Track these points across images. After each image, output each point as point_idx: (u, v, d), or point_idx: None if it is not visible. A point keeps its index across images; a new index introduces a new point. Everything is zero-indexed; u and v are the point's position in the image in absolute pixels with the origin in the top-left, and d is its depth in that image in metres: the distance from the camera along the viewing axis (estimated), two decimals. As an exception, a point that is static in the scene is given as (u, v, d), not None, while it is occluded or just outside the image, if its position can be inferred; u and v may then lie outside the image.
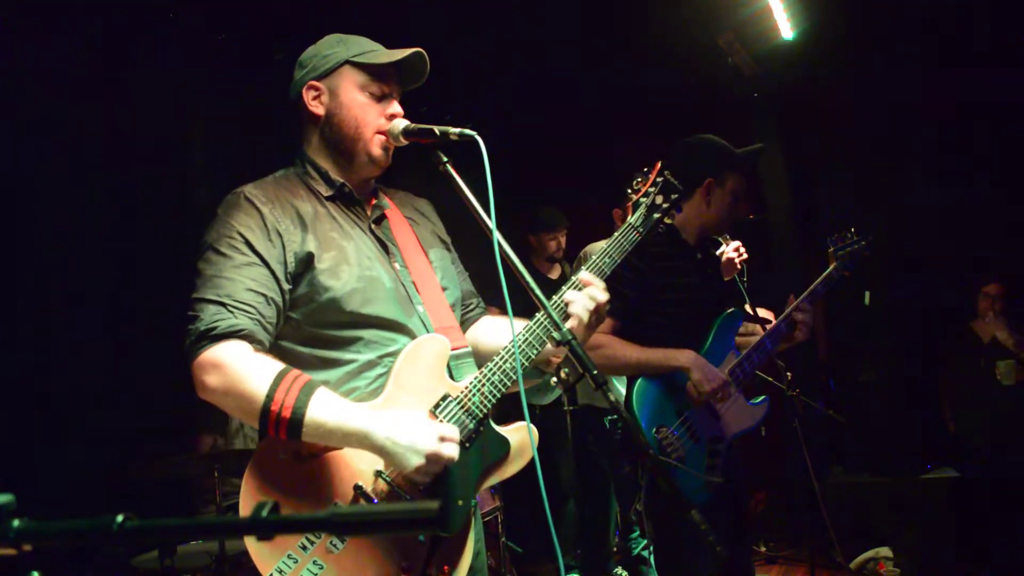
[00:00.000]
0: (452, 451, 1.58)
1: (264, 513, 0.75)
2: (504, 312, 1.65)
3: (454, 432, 1.61)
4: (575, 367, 1.66)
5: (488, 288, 1.98)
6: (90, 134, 3.44)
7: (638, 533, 3.97)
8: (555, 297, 1.79)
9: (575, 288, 1.82)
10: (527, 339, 1.77)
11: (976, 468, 4.92)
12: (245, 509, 1.57)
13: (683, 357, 2.56)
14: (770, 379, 3.81)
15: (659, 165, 2.16)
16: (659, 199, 2.10)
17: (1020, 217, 5.26)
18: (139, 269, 3.53)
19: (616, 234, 2.03)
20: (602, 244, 2.03)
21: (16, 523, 0.75)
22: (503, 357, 1.76)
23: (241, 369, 1.55)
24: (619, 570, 4.43)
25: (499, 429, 1.78)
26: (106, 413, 3.34)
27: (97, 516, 0.75)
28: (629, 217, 2.09)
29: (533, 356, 1.78)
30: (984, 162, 5.43)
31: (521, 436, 1.80)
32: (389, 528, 0.79)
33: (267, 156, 2.01)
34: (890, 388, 5.53)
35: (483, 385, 1.73)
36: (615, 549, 4.49)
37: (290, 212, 1.73)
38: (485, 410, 1.73)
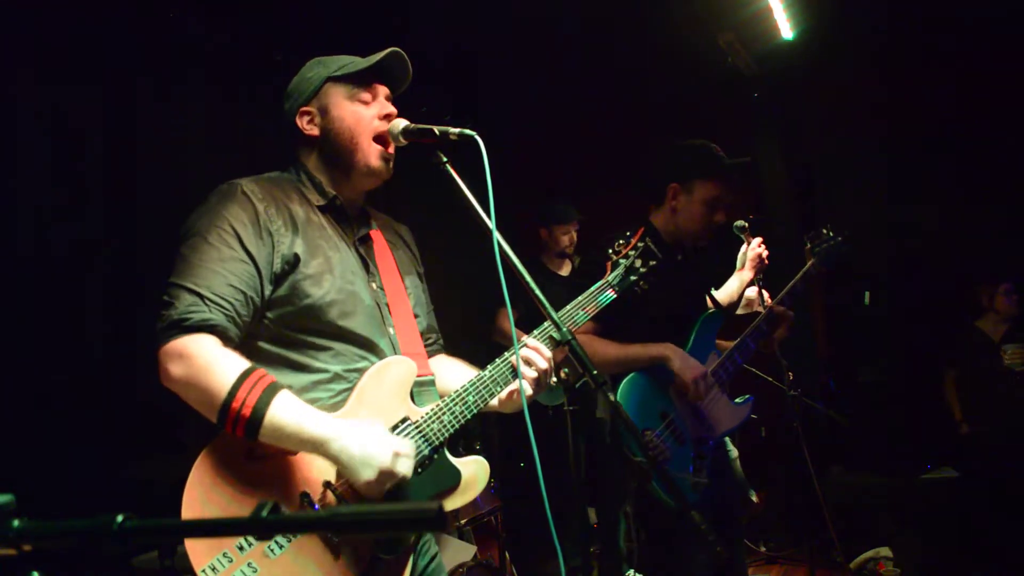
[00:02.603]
0: (406, 468, 1.59)
1: (264, 513, 0.75)
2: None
3: (409, 448, 1.61)
4: (575, 367, 1.67)
5: (485, 290, 1.99)
6: (90, 135, 3.44)
7: None
8: (504, 355, 1.81)
9: (521, 353, 1.81)
10: (492, 376, 1.80)
11: (992, 467, 4.90)
12: (189, 503, 1.55)
13: (662, 348, 2.56)
14: (770, 379, 3.82)
15: (642, 230, 2.27)
16: (638, 263, 2.17)
17: (1021, 216, 5.27)
18: (139, 268, 3.52)
19: (592, 288, 2.09)
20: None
21: (16, 523, 0.75)
22: (467, 389, 1.78)
23: (207, 362, 1.54)
24: (631, 572, 4.43)
25: (453, 460, 1.79)
26: (106, 413, 3.34)
27: (97, 516, 0.75)
28: (608, 275, 2.15)
29: (496, 392, 1.80)
30: (985, 162, 5.43)
31: (473, 469, 1.81)
32: (389, 528, 0.79)
33: (266, 154, 2.00)
34: (890, 388, 5.53)
35: (443, 414, 1.75)
36: (625, 552, 4.49)
37: (284, 213, 1.73)
38: (441, 438, 1.74)
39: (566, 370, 3.64)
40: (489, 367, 1.81)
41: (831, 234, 3.04)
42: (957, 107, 5.43)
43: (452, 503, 1.78)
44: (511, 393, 1.85)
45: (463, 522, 3.48)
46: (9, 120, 3.14)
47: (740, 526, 2.92)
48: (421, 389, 1.80)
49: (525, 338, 1.85)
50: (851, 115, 5.83)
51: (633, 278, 2.17)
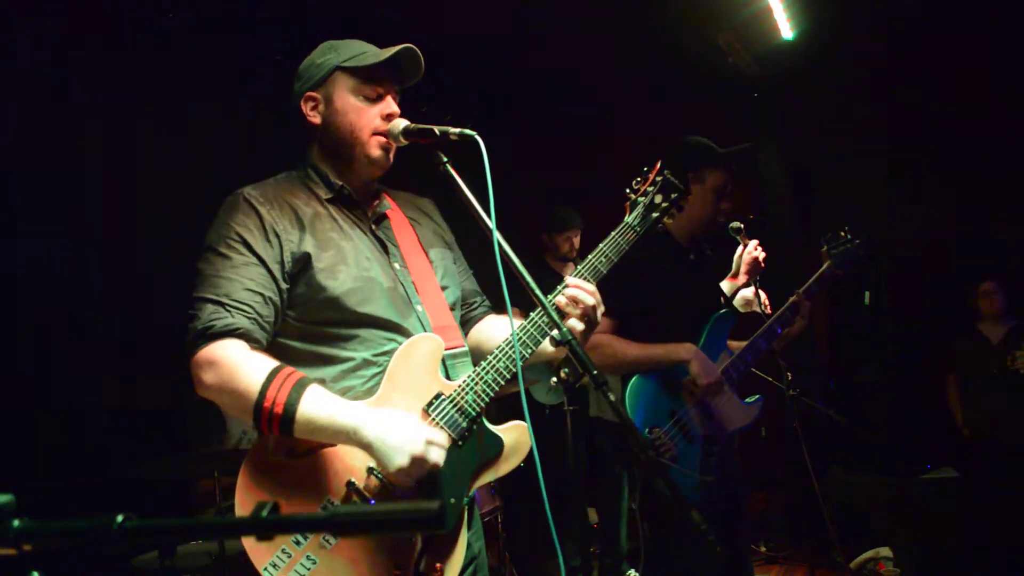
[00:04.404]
0: (438, 456, 1.58)
1: (264, 513, 0.75)
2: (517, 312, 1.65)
3: (442, 438, 1.61)
4: (575, 367, 1.65)
5: (489, 288, 1.98)
6: (91, 136, 3.44)
7: None
8: (548, 297, 1.76)
9: (564, 293, 1.81)
10: (521, 338, 1.77)
11: (993, 471, 4.91)
12: (241, 506, 1.59)
13: (683, 351, 2.58)
14: (770, 379, 3.81)
15: (659, 164, 2.11)
16: (658, 198, 2.05)
17: (1021, 216, 5.27)
18: (140, 268, 3.53)
19: (613, 233, 1.99)
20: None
21: (16, 523, 0.75)
22: (496, 356, 1.76)
23: (236, 367, 1.57)
24: (632, 572, 4.43)
25: (493, 428, 1.78)
26: (106, 413, 3.34)
27: (97, 516, 0.75)
28: (626, 216, 2.04)
29: (527, 355, 1.78)
30: (985, 161, 5.43)
31: (516, 435, 1.80)
32: (388, 528, 0.79)
33: (269, 156, 2.01)
34: (890, 388, 5.53)
35: (476, 383, 1.73)
36: (626, 551, 4.49)
37: (288, 212, 1.75)
38: (478, 408, 1.73)
39: (566, 370, 3.64)
40: (518, 329, 1.77)
41: (849, 236, 3.02)
42: (957, 106, 5.43)
43: (498, 471, 1.78)
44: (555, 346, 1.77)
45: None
46: (9, 120, 3.15)
47: (748, 526, 2.92)
48: (455, 362, 1.80)
49: (566, 278, 1.83)
50: (851, 115, 5.82)
51: (655, 215, 2.03)
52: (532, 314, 1.78)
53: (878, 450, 5.20)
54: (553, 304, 1.77)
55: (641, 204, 2.04)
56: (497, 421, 1.81)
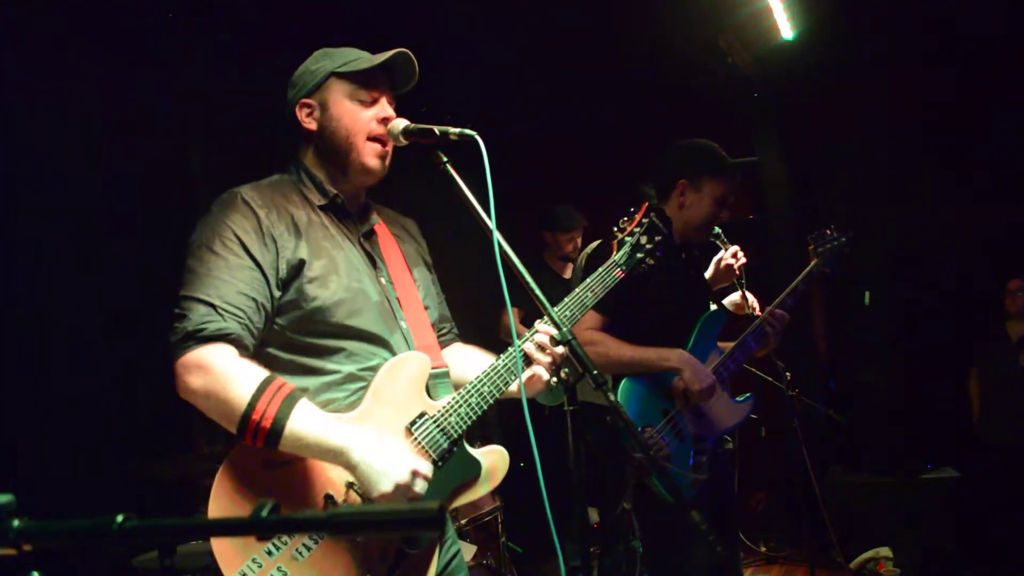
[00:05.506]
0: (421, 488, 1.58)
1: (264, 513, 0.75)
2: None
3: (428, 469, 1.61)
4: (575, 367, 1.67)
5: (490, 289, 1.99)
6: (91, 136, 3.44)
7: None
8: (519, 342, 1.80)
9: (534, 339, 1.83)
10: (506, 364, 1.80)
11: (995, 467, 4.91)
12: (214, 512, 1.55)
13: (675, 357, 2.57)
14: (769, 379, 3.81)
15: (645, 206, 2.21)
16: (643, 240, 2.14)
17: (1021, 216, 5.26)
18: (140, 268, 3.52)
19: (600, 269, 2.07)
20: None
21: (16, 523, 0.75)
22: (482, 380, 1.77)
23: (226, 373, 1.54)
24: None
25: (472, 451, 1.79)
26: (106, 413, 3.34)
27: (97, 516, 0.75)
28: (614, 255, 2.13)
29: (511, 380, 1.80)
30: (985, 160, 5.42)
31: (493, 459, 1.81)
32: (389, 528, 0.79)
33: (268, 156, 2.00)
34: (890, 388, 5.53)
35: (460, 406, 1.75)
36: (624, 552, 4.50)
37: (285, 218, 1.73)
38: (460, 431, 1.74)
39: (566, 370, 3.63)
40: (503, 356, 1.81)
41: (835, 234, 3.03)
42: (957, 106, 5.42)
43: (475, 493, 1.79)
44: (529, 378, 1.84)
45: (463, 522, 3.48)
46: (9, 121, 3.15)
47: (736, 523, 2.92)
48: (436, 381, 1.80)
49: (538, 323, 1.85)
50: (851, 114, 5.82)
51: (640, 255, 2.13)
52: (502, 356, 1.81)
53: (878, 450, 5.20)
54: (520, 350, 1.80)
55: (628, 244, 2.14)
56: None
